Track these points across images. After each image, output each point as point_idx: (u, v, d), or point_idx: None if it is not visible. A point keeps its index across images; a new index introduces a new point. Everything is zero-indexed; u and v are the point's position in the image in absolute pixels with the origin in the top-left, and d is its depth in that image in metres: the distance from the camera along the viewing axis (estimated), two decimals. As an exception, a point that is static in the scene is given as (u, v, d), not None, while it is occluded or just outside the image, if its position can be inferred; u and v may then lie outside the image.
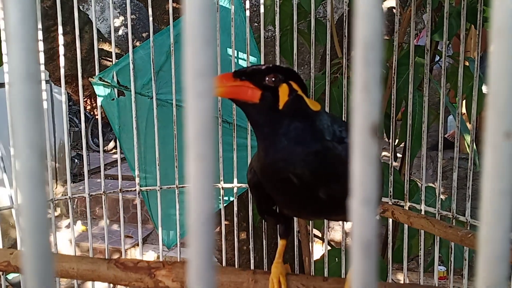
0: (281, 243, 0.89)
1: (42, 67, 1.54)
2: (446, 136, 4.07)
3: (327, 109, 1.57)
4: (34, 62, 0.16)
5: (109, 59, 1.85)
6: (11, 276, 3.32)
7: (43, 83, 1.50)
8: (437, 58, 2.31)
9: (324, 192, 0.75)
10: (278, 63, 1.59)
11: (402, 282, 1.67)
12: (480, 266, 0.22)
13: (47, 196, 0.16)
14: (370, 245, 0.18)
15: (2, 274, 1.49)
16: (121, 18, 6.96)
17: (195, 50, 0.16)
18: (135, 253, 3.86)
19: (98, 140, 1.62)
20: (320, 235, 2.56)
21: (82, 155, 5.57)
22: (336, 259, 1.85)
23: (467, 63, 1.89)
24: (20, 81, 0.16)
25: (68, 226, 4.25)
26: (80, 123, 1.60)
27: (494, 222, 0.21)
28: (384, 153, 3.63)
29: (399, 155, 2.20)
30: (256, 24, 5.12)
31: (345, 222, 1.57)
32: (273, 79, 0.75)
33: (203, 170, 0.16)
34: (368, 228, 0.18)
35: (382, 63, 0.18)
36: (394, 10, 1.69)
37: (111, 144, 6.00)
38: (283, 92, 0.75)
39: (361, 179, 0.18)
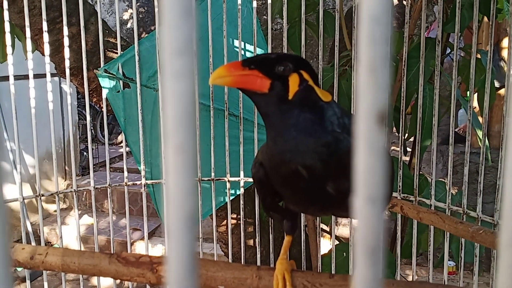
0: (286, 239, 0.87)
1: (48, 59, 1.53)
2: (457, 130, 4.02)
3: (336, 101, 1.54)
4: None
5: (115, 51, 1.83)
6: (20, 268, 3.34)
7: (48, 76, 1.48)
8: (448, 50, 2.27)
9: (332, 186, 0.73)
10: (285, 55, 1.56)
11: (410, 277, 1.64)
12: (500, 271, 0.20)
13: (3, 195, 0.14)
14: (375, 250, 0.16)
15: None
16: (130, 11, 6.95)
17: (172, 24, 0.14)
18: (143, 246, 3.86)
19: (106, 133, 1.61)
20: (328, 229, 2.54)
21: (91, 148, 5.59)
22: (344, 254, 1.83)
23: (479, 56, 1.85)
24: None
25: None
26: (87, 116, 1.58)
27: (517, 224, 0.18)
28: (393, 147, 3.59)
29: (409, 149, 2.17)
30: (265, 16, 5.08)
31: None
32: (283, 68, 0.72)
33: (183, 163, 0.14)
34: (374, 230, 0.15)
35: (390, 41, 0.15)
36: (405, 2, 1.65)
37: (120, 137, 6.00)
38: (293, 82, 0.72)
39: (366, 174, 0.16)
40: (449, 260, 2.85)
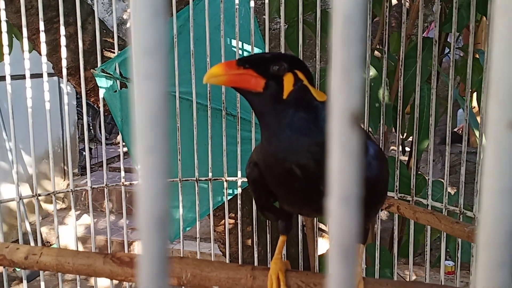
0: (281, 239, 0.87)
1: (45, 59, 1.53)
2: (455, 130, 4.02)
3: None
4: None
5: (113, 50, 1.83)
6: (19, 268, 3.34)
7: (45, 75, 1.48)
8: (447, 50, 2.27)
9: (326, 186, 0.73)
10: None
11: (408, 277, 1.64)
12: (478, 273, 0.20)
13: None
14: (349, 249, 0.15)
15: (4, 268, 1.49)
16: (129, 10, 6.94)
17: (142, 24, 0.14)
18: (141, 246, 3.86)
19: (106, 132, 1.61)
20: (326, 229, 2.54)
21: (90, 148, 5.59)
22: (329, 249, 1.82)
23: (477, 56, 1.85)
24: None
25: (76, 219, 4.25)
26: (88, 116, 1.59)
27: (494, 224, 0.18)
28: (392, 147, 3.59)
29: (408, 149, 2.17)
30: (264, 16, 5.08)
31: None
32: (278, 67, 0.72)
33: (154, 165, 0.14)
34: (347, 230, 0.15)
35: (364, 41, 0.15)
36: (403, 1, 1.65)
37: (119, 137, 6.01)
38: (288, 82, 0.72)
39: (339, 174, 0.16)
40: (447, 260, 2.85)
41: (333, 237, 0.16)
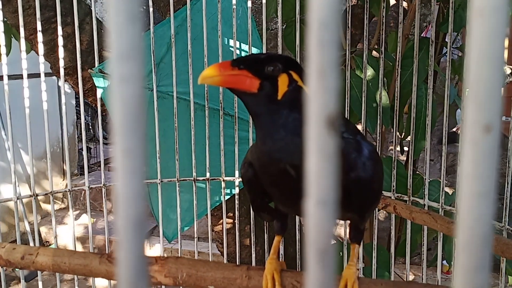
0: (276, 239, 0.87)
1: (42, 59, 1.53)
2: (454, 129, 4.02)
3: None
4: None
5: (111, 50, 1.83)
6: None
7: (42, 75, 1.48)
8: (445, 50, 2.27)
9: None
10: (280, 55, 1.56)
11: (405, 276, 1.64)
12: (457, 275, 0.20)
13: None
14: (326, 252, 0.16)
15: (2, 268, 1.49)
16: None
17: (118, 29, 0.14)
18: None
19: (105, 132, 1.61)
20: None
21: (89, 147, 5.58)
22: (340, 253, 1.83)
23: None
24: None
25: (75, 219, 4.26)
26: (86, 116, 1.59)
27: (472, 227, 0.18)
28: (390, 147, 3.59)
29: (407, 148, 2.17)
30: (262, 16, 5.07)
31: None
32: (273, 68, 0.72)
33: (131, 167, 0.14)
34: (324, 234, 0.16)
35: (339, 45, 0.15)
36: (400, 1, 1.65)
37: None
38: (282, 82, 0.72)
39: (316, 177, 0.16)
40: (445, 260, 2.85)
41: (310, 240, 0.16)
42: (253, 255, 1.71)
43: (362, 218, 0.81)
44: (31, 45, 1.77)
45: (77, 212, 4.37)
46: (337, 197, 0.16)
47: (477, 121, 0.18)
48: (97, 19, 1.60)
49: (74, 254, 0.84)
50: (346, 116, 1.60)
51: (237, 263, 1.62)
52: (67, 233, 3.73)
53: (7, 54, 1.53)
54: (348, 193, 0.73)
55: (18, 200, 1.50)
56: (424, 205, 1.41)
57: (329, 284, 0.16)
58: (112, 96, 0.14)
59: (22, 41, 1.46)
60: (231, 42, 1.67)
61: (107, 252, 1.31)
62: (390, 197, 1.44)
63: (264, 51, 1.62)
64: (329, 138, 0.16)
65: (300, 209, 0.83)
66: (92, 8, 1.64)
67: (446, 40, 2.16)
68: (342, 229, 3.71)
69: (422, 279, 1.45)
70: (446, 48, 2.15)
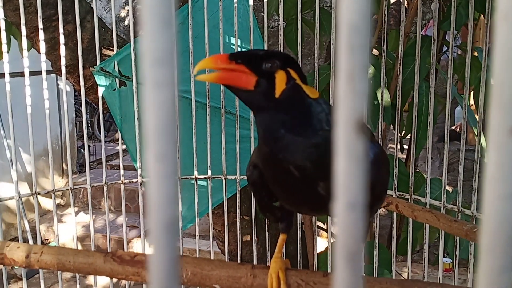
0: (281, 237, 0.87)
1: (43, 57, 1.53)
2: (453, 127, 4.03)
3: (331, 101, 1.55)
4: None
5: (112, 48, 1.83)
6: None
7: (44, 73, 1.48)
8: (445, 48, 2.27)
9: (323, 187, 0.72)
10: (282, 53, 1.56)
11: (406, 274, 1.65)
12: (480, 277, 0.20)
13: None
14: (355, 256, 0.16)
15: (4, 266, 1.49)
16: (127, 8, 6.93)
17: (152, 34, 0.14)
18: (140, 244, 3.86)
19: (104, 130, 1.61)
20: (324, 227, 2.54)
21: (88, 145, 5.58)
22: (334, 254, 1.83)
23: (475, 54, 1.85)
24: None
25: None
26: (86, 113, 1.58)
27: (497, 230, 0.18)
28: (390, 145, 3.60)
29: (406, 146, 2.17)
30: (262, 14, 5.07)
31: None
32: (271, 65, 0.71)
33: (163, 171, 0.14)
34: (354, 236, 0.16)
35: (370, 50, 0.15)
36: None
37: (117, 135, 6.00)
38: (280, 80, 0.71)
39: (345, 180, 0.16)
40: (445, 257, 2.86)
41: (339, 243, 0.16)
42: (254, 253, 1.71)
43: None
44: (32, 43, 1.76)
45: (75, 210, 4.36)
46: (366, 200, 0.16)
47: (501, 124, 0.18)
48: (98, 17, 1.59)
49: (78, 253, 0.84)
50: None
51: (239, 261, 1.62)
52: (66, 231, 3.73)
53: (7, 51, 1.53)
54: None
55: (19, 199, 1.50)
56: (426, 203, 1.41)
57: (358, 286, 0.16)
58: (145, 101, 0.14)
59: (24, 39, 1.45)
60: (233, 40, 1.67)
61: (108, 250, 1.32)
62: (392, 195, 1.45)
63: (265, 48, 1.62)
64: (358, 141, 0.16)
65: (304, 207, 0.83)
66: (93, 6, 1.64)
67: (446, 38, 2.16)
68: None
69: (424, 277, 1.46)
70: (446, 46, 2.16)
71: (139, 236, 3.81)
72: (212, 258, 1.44)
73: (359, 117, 0.15)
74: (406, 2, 2.09)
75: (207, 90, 1.60)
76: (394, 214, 1.54)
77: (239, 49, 1.64)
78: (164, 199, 0.15)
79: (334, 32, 1.56)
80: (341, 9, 0.15)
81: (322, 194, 0.72)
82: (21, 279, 3.34)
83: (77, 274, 1.56)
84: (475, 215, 1.33)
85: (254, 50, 0.76)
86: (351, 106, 0.15)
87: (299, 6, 1.56)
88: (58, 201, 4.59)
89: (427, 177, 1.43)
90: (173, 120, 0.14)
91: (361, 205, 0.16)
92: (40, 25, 1.46)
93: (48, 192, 1.54)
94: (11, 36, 1.83)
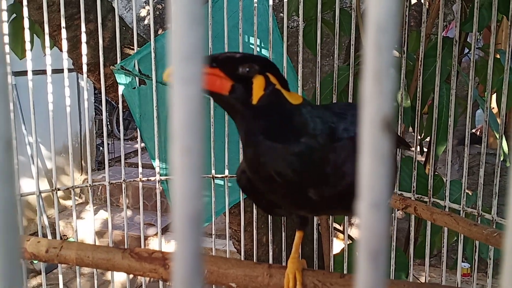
0: (297, 234, 0.85)
1: (65, 55, 1.55)
2: (473, 131, 3.97)
3: (350, 101, 1.54)
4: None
5: (132, 47, 1.85)
6: (36, 261, 3.39)
7: (66, 71, 1.50)
8: (467, 50, 2.24)
9: (314, 193, 0.69)
10: (301, 54, 1.56)
11: (423, 278, 1.63)
12: (504, 278, 0.20)
13: (15, 189, 0.14)
14: (378, 255, 0.16)
15: (23, 261, 1.51)
16: (148, 8, 6.99)
17: (181, 32, 0.14)
18: (157, 242, 3.89)
19: (123, 128, 1.62)
20: (341, 229, 2.53)
21: (107, 143, 5.64)
22: (357, 253, 1.82)
23: (498, 56, 1.83)
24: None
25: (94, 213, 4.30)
26: (106, 112, 1.60)
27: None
28: (409, 147, 3.56)
29: (426, 149, 2.15)
30: (281, 14, 5.06)
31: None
32: (248, 69, 0.66)
33: (189, 165, 0.15)
34: (377, 235, 0.16)
35: (397, 49, 0.15)
36: (423, 0, 1.64)
37: (135, 133, 6.06)
38: (258, 85, 0.67)
39: (370, 179, 0.16)
40: (464, 262, 2.82)
41: (362, 241, 0.16)
42: (270, 253, 1.71)
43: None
44: (54, 42, 1.79)
45: (94, 207, 4.42)
46: (389, 199, 0.16)
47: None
48: (119, 16, 1.61)
49: (97, 249, 0.85)
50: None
51: (254, 261, 1.63)
52: (84, 227, 3.78)
53: (31, 49, 1.55)
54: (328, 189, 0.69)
55: (40, 194, 1.53)
56: (445, 206, 1.40)
57: (381, 285, 0.16)
58: (172, 96, 0.15)
59: (47, 37, 1.48)
60: (252, 40, 1.67)
61: (125, 247, 1.33)
62: (410, 197, 1.43)
63: (284, 48, 1.62)
64: (383, 140, 0.16)
65: (301, 211, 0.80)
66: (115, 5, 1.65)
67: (468, 40, 2.13)
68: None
69: (442, 281, 1.44)
70: (468, 48, 2.13)
71: (156, 234, 3.84)
72: (228, 257, 1.45)
73: (386, 116, 0.15)
74: (427, 3, 2.07)
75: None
76: (412, 217, 1.53)
77: (258, 49, 1.64)
78: (188, 193, 0.15)
79: (354, 33, 1.55)
80: (369, 9, 0.15)
81: (313, 199, 0.70)
82: (39, 274, 3.39)
83: (95, 270, 1.58)
84: (495, 220, 1.31)
85: (230, 53, 0.72)
86: (377, 106, 0.15)
87: (319, 6, 1.56)
88: (77, 198, 4.65)
89: (446, 180, 1.42)
90: (200, 115, 0.14)
91: (385, 205, 0.16)
92: (63, 24, 1.48)
93: (67, 189, 1.56)
94: (34, 35, 1.86)
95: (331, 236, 1.77)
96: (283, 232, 1.69)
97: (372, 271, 0.16)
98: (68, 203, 4.44)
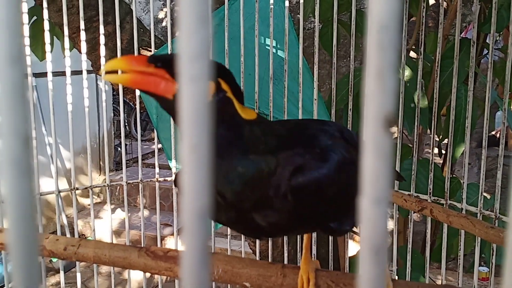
0: (305, 236, 0.85)
1: (84, 57, 1.57)
2: (493, 133, 3.91)
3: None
4: (17, 46, 0.15)
5: (149, 49, 1.87)
6: (55, 259, 3.45)
7: (85, 73, 1.53)
8: (486, 51, 2.21)
9: (260, 218, 0.63)
10: (317, 55, 1.56)
11: (440, 281, 1.62)
12: (506, 276, 0.20)
13: (33, 185, 0.15)
14: (379, 249, 0.16)
15: (43, 259, 1.54)
16: (165, 9, 7.06)
17: (189, 32, 0.15)
18: (173, 242, 3.92)
19: (140, 129, 1.64)
20: (357, 231, 2.52)
21: (125, 144, 5.71)
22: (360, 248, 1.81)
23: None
24: (4, 66, 0.15)
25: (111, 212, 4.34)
26: (124, 113, 1.63)
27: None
28: (426, 149, 3.53)
29: (444, 151, 2.13)
30: (298, 15, 5.06)
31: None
32: None
33: (197, 162, 0.15)
34: (378, 230, 0.16)
35: (398, 48, 0.16)
36: (440, 1, 1.62)
37: (152, 134, 6.12)
38: None
39: (372, 176, 0.16)
40: (482, 266, 2.78)
41: (364, 236, 0.16)
42: (285, 254, 1.71)
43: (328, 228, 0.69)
44: (74, 44, 1.82)
45: (112, 206, 4.47)
46: (390, 195, 0.16)
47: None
48: (137, 18, 1.63)
49: (114, 247, 0.86)
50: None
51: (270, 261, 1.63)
52: (102, 226, 3.82)
53: (51, 51, 1.58)
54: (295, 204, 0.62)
55: (58, 193, 1.55)
56: (462, 209, 1.38)
57: (382, 279, 0.16)
58: (180, 94, 0.15)
59: (66, 39, 1.50)
60: (268, 41, 1.67)
61: (142, 245, 1.35)
62: (427, 200, 1.42)
63: (300, 50, 1.62)
64: (386, 138, 0.16)
65: (250, 236, 0.75)
66: (133, 8, 1.68)
67: (487, 41, 2.11)
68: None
69: (458, 284, 1.43)
70: (487, 49, 2.10)
71: (172, 234, 3.87)
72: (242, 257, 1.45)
73: (388, 114, 0.16)
74: (445, 4, 2.05)
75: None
76: (429, 220, 1.51)
77: (274, 50, 1.64)
78: (197, 189, 0.15)
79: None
80: (371, 8, 0.16)
81: (260, 224, 0.64)
82: (58, 272, 3.44)
83: (112, 269, 1.60)
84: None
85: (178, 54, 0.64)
86: (379, 103, 0.16)
87: (335, 7, 1.56)
88: (95, 197, 4.71)
89: (463, 182, 1.40)
90: (208, 112, 0.15)
91: (386, 201, 0.16)
92: (82, 26, 1.51)
93: (86, 188, 1.58)
94: (54, 37, 1.89)
95: (347, 238, 1.76)
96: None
97: (375, 266, 0.16)
98: (87, 202, 4.50)
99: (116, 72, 0.62)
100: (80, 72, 1.53)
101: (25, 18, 1.47)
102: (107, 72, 0.62)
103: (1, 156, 0.14)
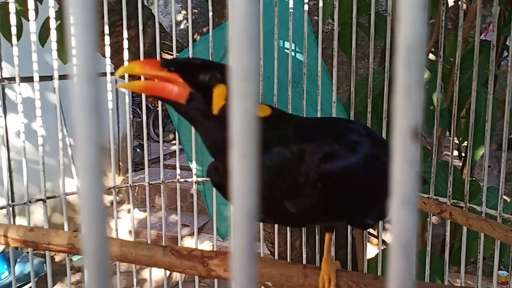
0: (326, 236, 0.86)
1: (108, 61, 1.61)
2: (513, 135, 3.87)
3: (384, 106, 1.54)
4: (93, 66, 0.17)
5: (171, 52, 1.90)
6: (75, 257, 3.51)
7: (108, 76, 1.57)
8: (506, 53, 2.20)
9: (290, 205, 0.66)
10: (336, 58, 1.57)
11: (459, 285, 1.61)
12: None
13: (104, 186, 0.17)
14: (409, 245, 0.18)
15: (67, 256, 1.58)
16: (184, 12, 7.12)
17: (240, 55, 0.17)
18: (191, 242, 3.96)
19: (158, 130, 1.68)
20: (375, 233, 2.52)
21: (144, 145, 5.78)
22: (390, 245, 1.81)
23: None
24: (83, 84, 0.17)
25: (128, 212, 4.41)
26: (142, 114, 1.66)
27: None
28: (445, 152, 3.51)
29: (463, 154, 2.12)
30: (316, 17, 5.07)
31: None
32: (209, 77, 0.62)
33: (246, 167, 0.17)
34: (407, 229, 0.18)
35: (425, 67, 0.18)
36: (460, 3, 1.63)
37: (171, 135, 6.18)
38: (219, 94, 0.62)
39: (401, 182, 0.18)
40: (501, 270, 2.76)
41: (394, 234, 0.18)
42: (304, 256, 1.73)
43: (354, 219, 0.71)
44: (97, 48, 1.86)
45: (131, 206, 4.53)
46: (417, 197, 0.18)
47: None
48: (159, 22, 1.67)
49: (139, 246, 0.89)
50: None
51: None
52: (121, 226, 3.88)
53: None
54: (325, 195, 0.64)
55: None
56: (482, 212, 1.38)
57: (411, 275, 0.18)
58: (232, 109, 0.17)
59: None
60: (287, 45, 1.69)
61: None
62: (446, 202, 1.43)
63: (319, 53, 1.64)
64: (413, 147, 0.18)
65: (280, 223, 0.78)
66: (155, 13, 1.71)
67: (507, 43, 2.09)
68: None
69: (477, 287, 1.43)
70: (507, 51, 2.09)
71: (190, 235, 3.91)
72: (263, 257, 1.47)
73: (415, 125, 0.18)
74: (464, 6, 2.04)
75: (260, 93, 1.64)
76: (448, 223, 1.51)
77: (293, 54, 1.66)
78: (245, 192, 0.18)
79: (389, 38, 1.56)
80: (400, 32, 0.18)
81: (291, 211, 0.66)
82: (78, 271, 3.51)
83: (134, 268, 1.63)
84: (533, 226, 1.29)
85: (191, 59, 0.62)
86: (407, 116, 0.18)
87: (355, 10, 1.57)
88: (112, 197, 4.78)
89: (483, 185, 1.40)
90: (255, 125, 0.17)
91: (414, 203, 0.18)
92: (106, 31, 1.55)
93: (108, 189, 1.62)
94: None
95: (365, 241, 1.77)
96: (316, 235, 1.71)
97: (404, 259, 0.18)
98: (112, 202, 4.57)
99: (130, 77, 0.64)
100: (101, 75, 1.56)
101: (53, 23, 1.51)
102: (120, 77, 0.63)
103: (79, 161, 0.17)
